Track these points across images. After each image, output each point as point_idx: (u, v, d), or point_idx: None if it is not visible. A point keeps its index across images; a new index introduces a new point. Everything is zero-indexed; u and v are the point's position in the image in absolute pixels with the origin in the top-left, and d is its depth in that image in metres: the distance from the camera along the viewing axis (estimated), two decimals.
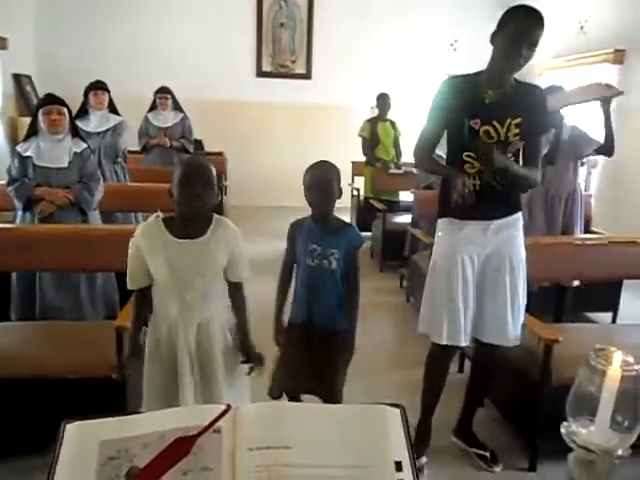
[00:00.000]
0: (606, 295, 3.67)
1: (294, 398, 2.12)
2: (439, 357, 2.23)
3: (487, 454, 2.35)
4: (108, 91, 4.24)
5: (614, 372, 0.82)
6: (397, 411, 0.77)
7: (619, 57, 5.26)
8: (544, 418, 2.22)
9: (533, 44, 1.88)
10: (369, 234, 5.69)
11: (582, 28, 5.88)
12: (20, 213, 2.98)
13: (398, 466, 0.72)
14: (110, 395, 2.07)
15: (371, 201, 5.51)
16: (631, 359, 0.84)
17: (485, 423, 2.60)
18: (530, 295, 3.38)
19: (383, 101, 5.65)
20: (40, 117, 2.90)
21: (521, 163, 2.07)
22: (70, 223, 2.96)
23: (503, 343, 2.15)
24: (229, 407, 0.72)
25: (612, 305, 3.71)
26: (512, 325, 2.12)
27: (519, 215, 2.14)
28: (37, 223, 2.92)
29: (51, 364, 2.13)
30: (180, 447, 0.68)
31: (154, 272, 1.72)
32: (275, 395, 2.08)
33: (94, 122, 4.20)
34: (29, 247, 2.50)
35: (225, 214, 6.25)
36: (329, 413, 0.75)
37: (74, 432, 0.70)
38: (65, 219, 2.96)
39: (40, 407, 2.13)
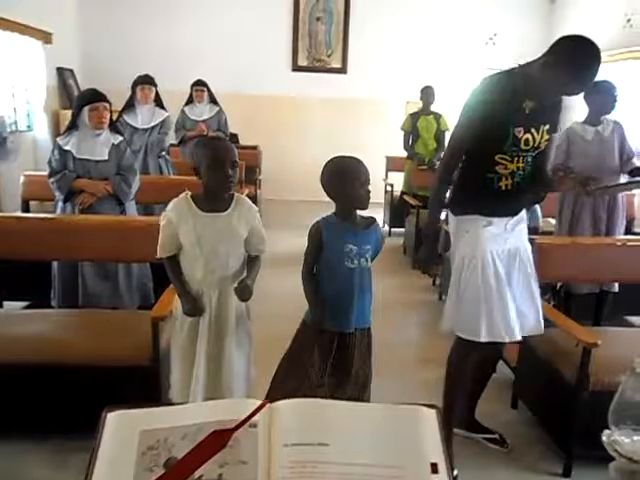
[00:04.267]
0: None
1: None
2: (467, 354, 2.23)
3: (496, 436, 2.40)
4: (155, 85, 4.33)
5: None
6: (433, 412, 0.76)
7: None
8: (580, 423, 2.17)
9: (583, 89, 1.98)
10: (402, 230, 5.66)
11: (629, 21, 5.67)
12: (60, 204, 3.06)
13: (434, 468, 0.71)
14: (145, 383, 2.12)
15: (405, 197, 5.47)
16: None
17: (517, 425, 2.56)
18: (569, 297, 3.35)
19: (427, 93, 5.55)
20: (86, 113, 2.95)
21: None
22: (108, 213, 3.04)
23: (539, 332, 2.20)
24: (266, 402, 0.73)
25: None
26: (539, 313, 2.19)
27: (524, 211, 2.24)
28: (77, 214, 3.00)
29: (88, 352, 2.20)
30: (217, 440, 0.69)
31: (183, 241, 1.93)
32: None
33: (141, 118, 4.31)
34: (70, 237, 2.57)
35: (259, 207, 6.33)
36: (366, 412, 0.75)
37: (115, 421, 0.71)
38: (103, 210, 3.04)
39: (77, 393, 2.19)
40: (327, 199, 2.00)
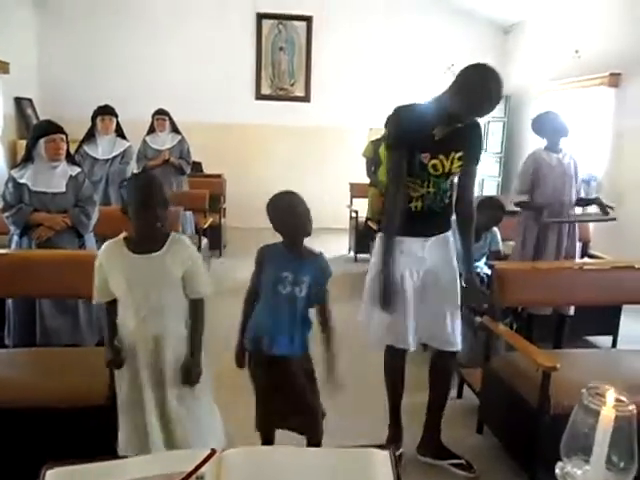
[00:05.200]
0: (606, 319, 3.65)
1: (268, 440, 2.07)
2: (391, 358, 2.41)
3: (463, 461, 2.42)
4: (116, 115, 4.27)
5: (608, 412, 0.80)
6: (386, 454, 0.76)
7: (615, 80, 5.31)
8: (543, 447, 2.18)
9: (483, 114, 2.08)
10: (368, 256, 5.69)
11: (577, 52, 5.95)
12: (16, 238, 2.97)
13: None
14: (102, 423, 2.04)
15: (369, 222, 5.51)
16: (625, 398, 0.83)
17: (483, 450, 2.56)
18: (531, 319, 3.42)
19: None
20: (42, 145, 2.89)
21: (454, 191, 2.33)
22: (67, 246, 2.97)
23: (447, 348, 2.32)
24: (214, 451, 0.71)
25: (612, 329, 3.68)
26: (452, 332, 2.30)
27: (450, 233, 2.35)
28: (34, 248, 2.91)
29: (41, 392, 2.11)
30: None
31: (113, 287, 1.83)
32: (261, 430, 2.07)
33: (102, 148, 4.24)
34: (25, 273, 2.48)
35: (223, 235, 6.30)
36: (317, 457, 0.74)
37: (54, 479, 0.68)
38: (62, 243, 2.96)
39: (29, 436, 2.09)
40: None
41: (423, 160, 2.15)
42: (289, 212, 1.99)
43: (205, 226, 5.04)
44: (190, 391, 1.90)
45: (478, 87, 1.98)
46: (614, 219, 3.54)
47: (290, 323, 1.99)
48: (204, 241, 5.01)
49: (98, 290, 1.87)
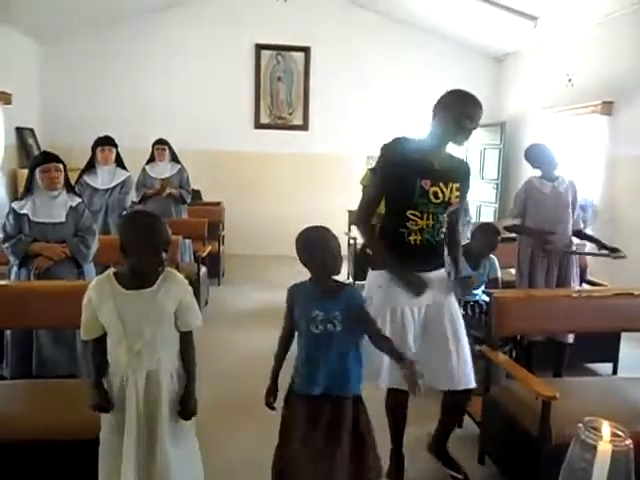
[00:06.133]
0: (606, 346, 3.64)
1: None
2: (392, 398, 2.36)
3: (461, 477, 2.41)
4: (115, 146, 4.33)
5: (604, 447, 0.81)
6: None
7: (607, 108, 5.39)
8: (545, 476, 2.16)
9: (477, 124, 2.19)
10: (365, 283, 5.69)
11: (570, 80, 6.06)
12: (15, 269, 2.98)
13: None
14: (94, 458, 2.00)
15: (367, 250, 5.52)
16: (621, 432, 0.83)
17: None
18: (530, 347, 3.41)
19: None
20: (38, 175, 2.93)
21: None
22: (66, 276, 2.97)
23: (452, 387, 2.26)
24: None
25: (612, 356, 3.67)
26: (458, 370, 2.24)
27: (444, 270, 2.35)
28: (33, 279, 2.92)
29: (35, 425, 2.09)
30: None
31: (104, 322, 1.78)
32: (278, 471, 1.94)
33: (102, 178, 4.28)
34: (22, 304, 2.48)
35: (222, 263, 6.31)
36: None
37: None
38: (61, 273, 2.97)
39: (23, 470, 2.07)
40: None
41: (424, 186, 2.17)
42: (320, 248, 1.91)
43: (204, 254, 5.05)
44: (181, 427, 1.85)
45: (456, 97, 2.20)
46: (624, 257, 3.37)
47: (329, 362, 1.89)
48: (203, 269, 5.01)
49: (86, 327, 1.82)
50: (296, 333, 1.99)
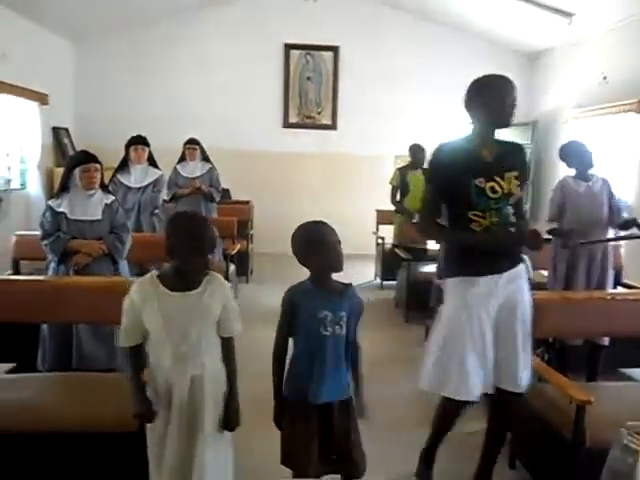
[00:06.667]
0: None
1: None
2: (451, 411, 2.29)
3: None
4: (148, 145, 4.42)
5: None
6: None
7: None
8: None
9: (515, 98, 2.13)
10: (394, 283, 5.67)
11: (605, 78, 5.92)
12: (53, 265, 3.04)
13: None
14: (133, 450, 2.06)
15: (396, 250, 5.51)
16: None
17: None
18: (563, 350, 3.34)
19: (414, 151, 5.70)
20: (77, 174, 2.99)
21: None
22: (103, 273, 3.04)
23: (515, 389, 2.19)
24: None
25: None
26: (523, 372, 2.18)
27: (522, 266, 2.25)
28: (72, 274, 2.99)
29: (74, 417, 2.15)
30: None
31: (149, 325, 1.74)
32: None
33: (134, 177, 4.38)
34: (60, 299, 2.55)
35: (250, 261, 6.36)
36: None
37: None
38: (99, 269, 3.04)
39: (61, 462, 2.13)
40: None
41: (479, 185, 2.09)
42: (318, 245, 1.83)
43: (233, 252, 5.10)
44: (220, 435, 1.82)
45: (484, 81, 2.16)
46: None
47: (336, 366, 1.86)
48: (231, 267, 5.07)
49: (127, 332, 1.78)
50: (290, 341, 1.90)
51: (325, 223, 1.92)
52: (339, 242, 1.87)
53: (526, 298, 2.23)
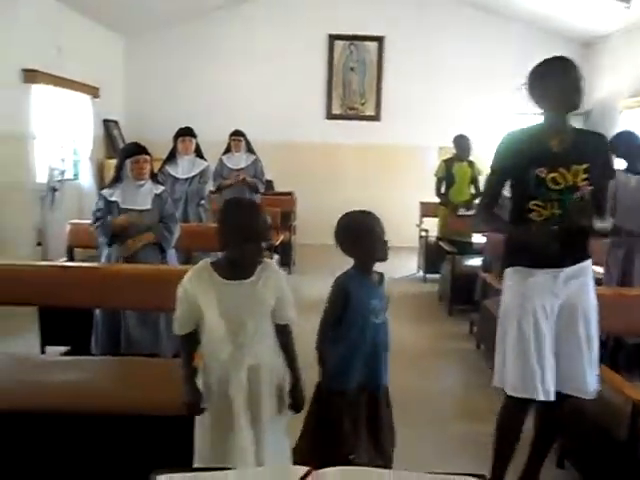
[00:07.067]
0: None
1: None
2: (511, 411, 2.15)
3: None
4: (195, 137, 4.51)
5: None
6: None
7: None
8: None
9: (579, 84, 2.00)
10: (437, 276, 5.60)
11: None
12: (105, 251, 3.16)
13: None
14: (181, 433, 2.10)
15: (440, 243, 5.43)
16: None
17: None
18: (618, 348, 3.22)
19: (460, 143, 5.60)
20: (128, 165, 3.10)
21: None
22: (152, 261, 3.13)
23: (582, 395, 2.08)
24: (310, 469, 0.72)
25: None
26: (590, 376, 2.07)
27: (589, 262, 2.11)
28: (121, 261, 3.09)
29: (122, 400, 2.21)
30: None
31: (206, 314, 1.73)
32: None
33: (182, 168, 4.48)
34: (112, 286, 2.64)
35: (293, 252, 6.41)
36: None
37: None
38: (147, 257, 3.13)
39: (112, 442, 2.19)
40: None
41: (540, 174, 1.99)
42: (366, 233, 1.86)
43: (276, 243, 5.14)
44: (277, 426, 1.83)
45: (547, 65, 2.05)
46: None
47: (385, 354, 1.92)
48: (275, 257, 5.12)
49: (181, 321, 1.78)
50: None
51: (371, 212, 1.94)
52: (384, 232, 1.90)
53: (591, 296, 2.10)
